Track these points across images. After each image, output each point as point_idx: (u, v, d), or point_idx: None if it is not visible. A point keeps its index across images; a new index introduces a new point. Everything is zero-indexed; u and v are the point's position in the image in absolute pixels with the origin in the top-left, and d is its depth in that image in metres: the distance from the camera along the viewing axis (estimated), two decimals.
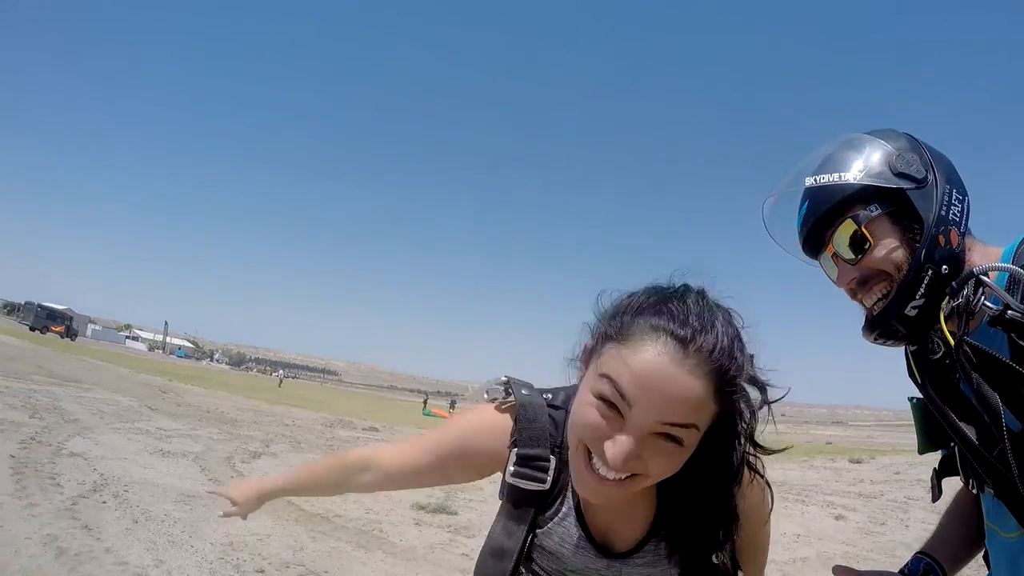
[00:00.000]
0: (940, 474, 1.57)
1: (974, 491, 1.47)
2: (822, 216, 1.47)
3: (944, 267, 1.34)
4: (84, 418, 12.10)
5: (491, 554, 1.25)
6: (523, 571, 1.29)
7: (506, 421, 1.30)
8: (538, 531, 1.27)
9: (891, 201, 1.40)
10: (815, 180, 1.45)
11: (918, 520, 10.43)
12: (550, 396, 1.33)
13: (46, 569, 4.64)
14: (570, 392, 1.29)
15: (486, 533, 1.31)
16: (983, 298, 1.23)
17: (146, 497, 7.15)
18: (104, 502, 6.65)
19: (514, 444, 1.27)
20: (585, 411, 1.09)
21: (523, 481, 1.24)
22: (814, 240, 1.53)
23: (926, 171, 1.39)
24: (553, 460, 1.25)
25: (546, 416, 1.29)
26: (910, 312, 1.37)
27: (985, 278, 1.24)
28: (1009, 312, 1.16)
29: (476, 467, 1.35)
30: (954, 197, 1.38)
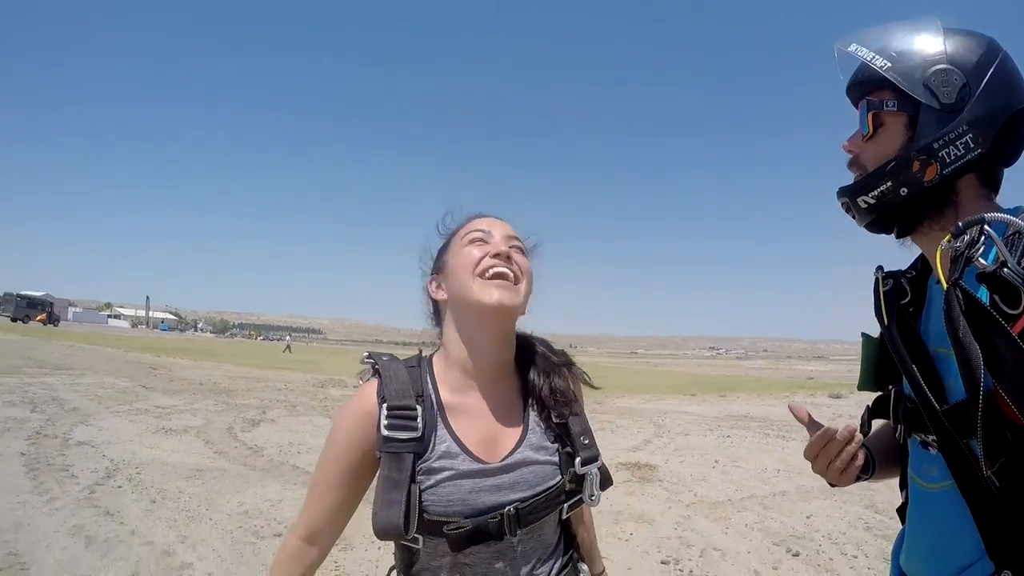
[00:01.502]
0: (872, 414, 1.59)
1: (900, 438, 1.49)
2: (857, 83, 1.50)
3: (903, 190, 1.36)
4: (83, 405, 12.28)
5: (383, 505, 1.32)
6: (424, 517, 1.35)
7: (367, 394, 1.45)
8: (420, 476, 1.37)
9: (913, 105, 1.37)
10: (857, 50, 1.43)
11: None
12: (407, 359, 1.55)
13: (80, 558, 4.89)
14: (423, 357, 1.57)
15: None
16: (980, 250, 1.16)
17: (158, 476, 7.41)
18: (120, 486, 6.90)
19: (382, 401, 1.40)
20: (466, 250, 1.49)
21: (397, 432, 1.36)
22: (853, 96, 1.53)
23: (958, 100, 1.32)
24: (419, 408, 1.40)
25: (405, 372, 1.47)
26: (861, 203, 1.43)
27: (990, 228, 1.16)
28: (1004, 271, 1.10)
29: (371, 455, 1.41)
30: (964, 140, 1.32)
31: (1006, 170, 1.42)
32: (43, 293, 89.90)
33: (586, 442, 1.50)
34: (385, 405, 1.38)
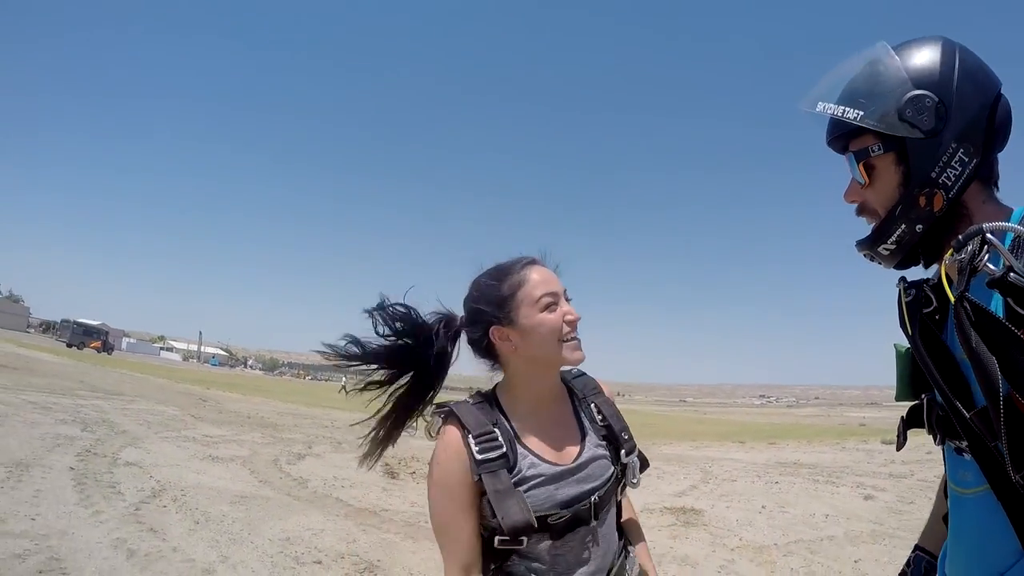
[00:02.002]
0: (907, 424, 1.59)
1: (937, 444, 1.49)
2: (833, 140, 1.52)
3: (919, 227, 1.37)
4: (133, 429, 12.49)
5: (504, 512, 1.55)
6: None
7: (452, 434, 1.66)
8: (516, 486, 1.60)
9: (897, 143, 1.38)
10: (824, 108, 1.45)
11: None
12: (471, 399, 1.79)
13: (120, 569, 4.96)
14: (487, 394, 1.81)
15: None
16: (986, 257, 1.18)
17: (203, 500, 7.48)
18: (165, 506, 6.98)
19: (467, 434, 1.63)
20: (544, 319, 1.68)
21: (488, 453, 1.60)
22: (836, 148, 1.54)
23: (938, 121, 1.33)
24: (498, 432, 1.65)
25: (474, 408, 1.71)
26: (882, 251, 1.44)
27: (991, 236, 1.18)
28: (1011, 275, 1.12)
29: (471, 485, 1.61)
30: (957, 157, 1.33)
31: (1008, 170, 1.42)
32: (99, 322, 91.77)
33: (626, 437, 1.83)
34: (471, 435, 1.62)
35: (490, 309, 1.74)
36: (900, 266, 1.48)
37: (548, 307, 1.70)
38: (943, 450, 1.49)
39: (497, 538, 1.58)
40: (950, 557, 1.48)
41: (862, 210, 1.51)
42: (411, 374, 1.85)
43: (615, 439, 1.82)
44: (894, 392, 1.62)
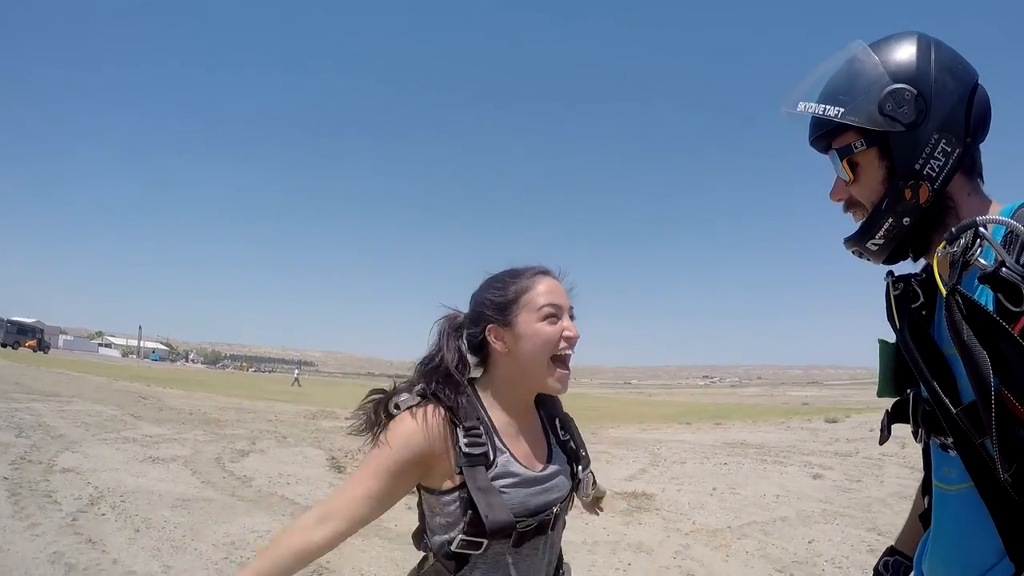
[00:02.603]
0: (891, 418, 1.57)
1: (919, 440, 1.49)
2: (816, 139, 1.51)
3: (906, 220, 1.37)
4: (70, 432, 12.11)
5: (488, 509, 1.54)
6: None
7: (433, 413, 1.62)
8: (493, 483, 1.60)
9: (879, 138, 1.38)
10: (804, 107, 1.45)
11: (892, 476, 10.82)
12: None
13: None
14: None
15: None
16: (978, 252, 1.18)
17: (143, 505, 7.25)
18: (103, 514, 6.74)
19: (455, 423, 1.62)
20: (541, 329, 1.68)
21: (474, 448, 1.59)
22: (818, 147, 1.54)
23: (918, 114, 1.34)
24: (481, 428, 1.64)
25: (461, 399, 1.68)
26: (871, 247, 1.44)
27: (984, 230, 1.18)
28: (1003, 270, 1.11)
29: (423, 467, 1.60)
30: (939, 148, 1.34)
31: (1007, 169, 1.40)
32: (34, 320, 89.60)
33: (583, 453, 1.89)
34: (460, 427, 1.61)
35: (492, 308, 1.75)
36: (888, 261, 1.48)
37: (548, 318, 1.70)
38: (926, 446, 1.51)
39: (459, 538, 1.56)
40: (930, 554, 1.48)
41: (849, 206, 1.50)
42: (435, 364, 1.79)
43: (574, 454, 1.87)
44: (876, 388, 1.61)
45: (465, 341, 1.81)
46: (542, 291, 1.72)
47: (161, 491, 8.06)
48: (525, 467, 1.67)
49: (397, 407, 1.66)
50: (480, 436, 1.61)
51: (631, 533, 7.32)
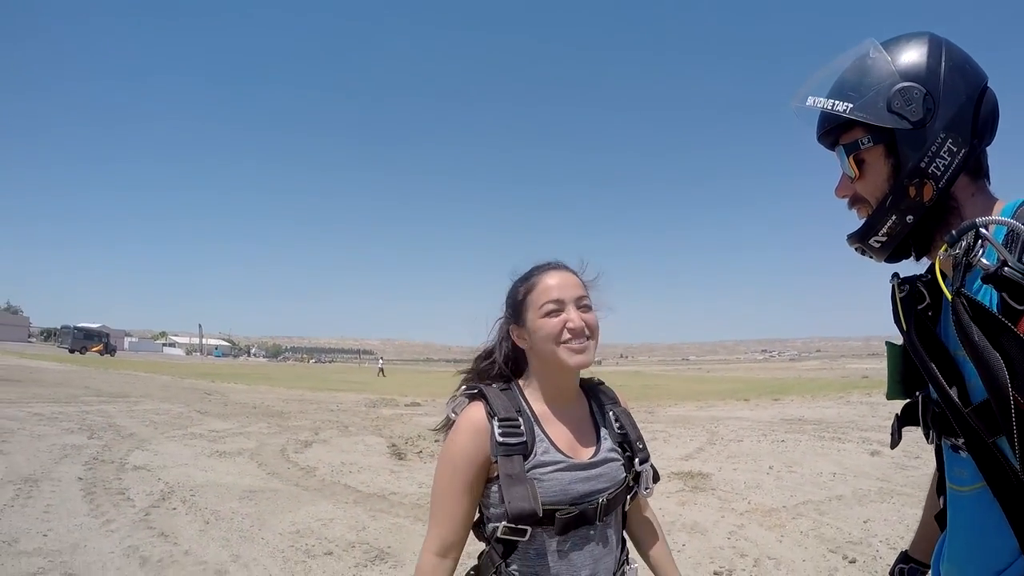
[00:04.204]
0: (902, 422, 1.58)
1: (931, 442, 1.48)
2: (824, 134, 1.52)
3: (909, 217, 1.37)
4: (139, 431, 12.54)
5: (513, 497, 1.59)
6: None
7: (477, 413, 1.72)
8: (529, 472, 1.65)
9: (886, 134, 1.38)
10: (814, 102, 1.45)
11: None
12: (499, 385, 1.86)
13: None
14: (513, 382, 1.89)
15: None
16: (980, 252, 1.17)
17: (212, 498, 7.51)
18: (174, 508, 7.01)
19: (491, 416, 1.70)
20: (543, 324, 1.74)
21: (509, 438, 1.66)
22: (825, 143, 1.56)
23: (926, 112, 1.33)
24: (520, 419, 1.71)
25: (501, 393, 1.78)
26: (873, 244, 1.43)
27: (985, 231, 1.17)
28: (1006, 269, 1.11)
29: (484, 466, 1.69)
30: (945, 147, 1.33)
31: (1005, 167, 1.40)
32: (99, 324, 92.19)
33: (640, 446, 1.87)
34: (496, 419, 1.68)
35: (509, 311, 1.89)
36: (891, 259, 1.48)
37: (549, 313, 1.76)
38: (938, 448, 1.50)
39: (503, 525, 1.62)
40: (947, 555, 1.47)
41: (854, 202, 1.51)
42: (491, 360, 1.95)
43: (630, 447, 1.87)
44: (886, 391, 1.61)
45: (507, 341, 1.92)
46: (543, 288, 1.80)
47: (228, 484, 8.34)
48: (567, 455, 1.72)
49: (455, 412, 1.79)
50: (518, 427, 1.68)
51: (686, 513, 7.33)
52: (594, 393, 1.97)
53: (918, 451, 10.34)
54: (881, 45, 1.42)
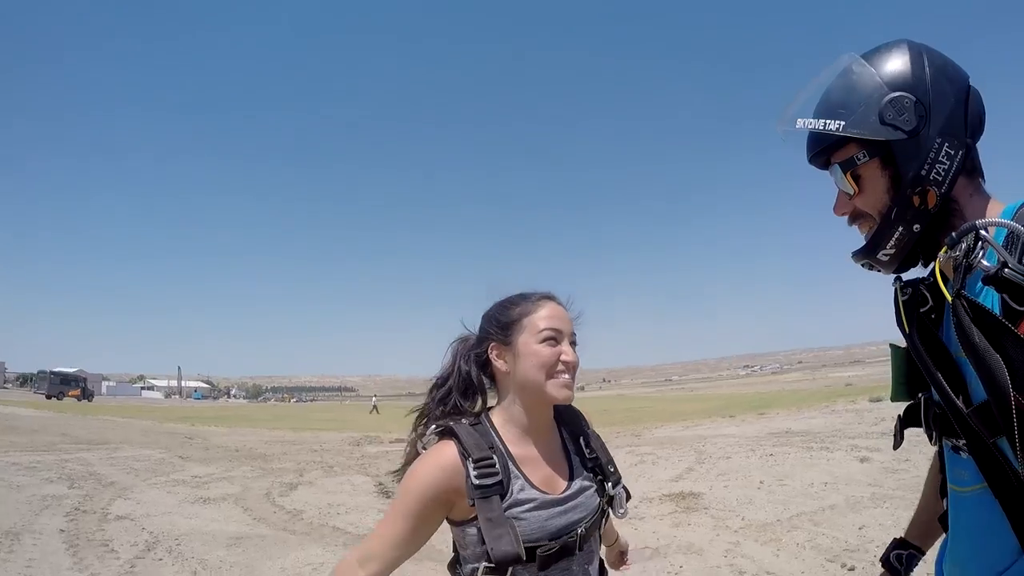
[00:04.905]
0: (904, 423, 1.59)
1: (933, 443, 1.50)
2: (816, 155, 1.50)
3: (916, 226, 1.36)
4: (120, 479, 12.33)
5: (494, 540, 1.56)
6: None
7: (449, 451, 1.67)
8: (507, 512, 1.62)
9: (880, 147, 1.38)
10: (803, 124, 1.45)
11: None
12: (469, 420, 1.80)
13: None
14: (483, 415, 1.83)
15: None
16: (981, 254, 1.18)
17: (198, 547, 7.36)
18: (160, 559, 6.86)
19: (466, 457, 1.64)
20: (540, 350, 1.72)
21: (486, 479, 1.61)
22: (817, 164, 1.54)
23: (919, 120, 1.33)
24: (495, 457, 1.66)
25: (473, 430, 1.72)
26: (882, 257, 1.42)
27: (985, 233, 1.18)
28: (1006, 271, 1.12)
29: (446, 504, 1.65)
30: (943, 152, 1.33)
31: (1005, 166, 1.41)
32: (76, 369, 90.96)
33: (612, 469, 1.89)
34: (470, 460, 1.63)
35: (495, 328, 1.82)
36: (900, 269, 1.47)
37: (547, 340, 1.74)
38: (941, 448, 1.50)
39: (483, 565, 1.59)
40: (949, 556, 1.48)
41: (855, 218, 1.49)
42: (443, 391, 1.88)
43: (602, 471, 1.87)
44: (890, 392, 1.62)
45: (475, 364, 1.87)
46: (544, 315, 1.78)
47: (215, 531, 8.18)
48: (543, 491, 1.70)
49: (424, 447, 1.76)
50: (492, 466, 1.64)
51: (680, 535, 7.29)
52: (563, 418, 1.95)
53: (907, 453, 10.41)
54: (861, 58, 1.43)
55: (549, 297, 1.86)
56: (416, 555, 1.61)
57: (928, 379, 1.34)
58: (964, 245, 1.20)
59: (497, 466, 1.65)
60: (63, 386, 73.91)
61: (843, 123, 1.38)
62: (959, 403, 1.23)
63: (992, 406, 1.09)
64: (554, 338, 1.75)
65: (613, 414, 32.34)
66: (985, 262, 1.16)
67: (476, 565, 1.61)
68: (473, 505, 1.61)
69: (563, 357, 1.74)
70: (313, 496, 10.81)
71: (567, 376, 1.75)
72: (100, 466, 14.15)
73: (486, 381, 1.87)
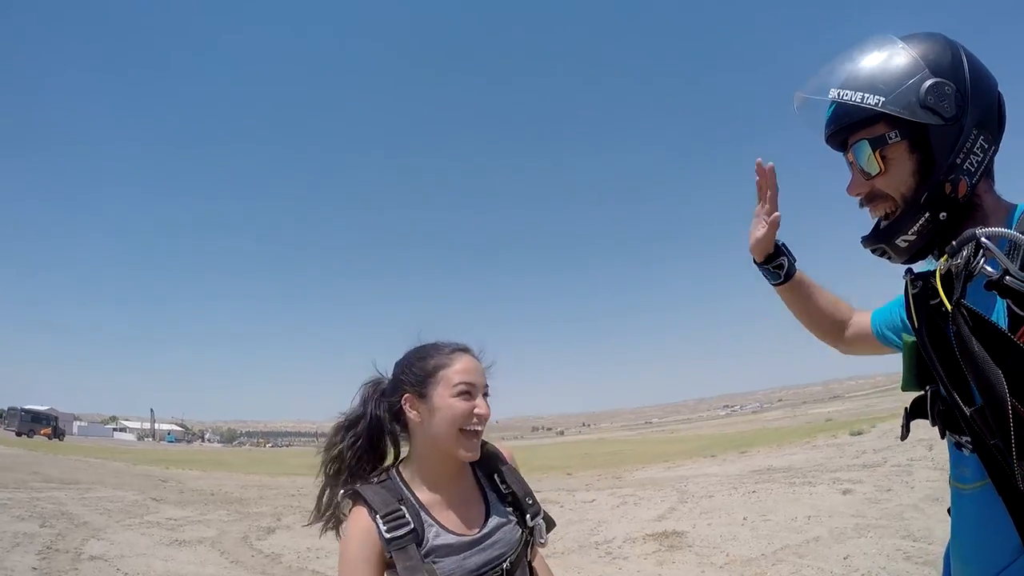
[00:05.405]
0: (911, 415, 1.57)
1: (942, 437, 1.48)
2: (843, 128, 1.48)
3: (942, 214, 1.37)
4: (93, 519, 12.08)
5: None
6: None
7: (360, 517, 1.70)
8: (425, 560, 1.66)
9: (913, 130, 1.38)
10: (839, 95, 1.44)
11: (923, 480, 10.63)
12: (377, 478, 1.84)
13: None
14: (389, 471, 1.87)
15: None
16: (983, 261, 1.20)
17: None
18: None
19: (374, 515, 1.68)
20: (454, 404, 1.75)
21: (396, 531, 1.65)
22: (835, 142, 1.55)
23: (958, 109, 1.34)
24: (404, 508, 1.71)
25: (379, 488, 1.76)
26: (900, 243, 1.44)
27: (987, 241, 1.19)
28: (1007, 278, 1.14)
29: (379, 563, 1.67)
30: (978, 144, 1.36)
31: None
32: (47, 407, 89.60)
33: (530, 501, 1.91)
34: (378, 516, 1.68)
35: (410, 379, 1.85)
36: (911, 260, 1.49)
37: (462, 394, 1.78)
38: (947, 446, 1.50)
39: None
40: (953, 552, 1.51)
41: (871, 199, 1.50)
42: (352, 436, 1.90)
43: (519, 504, 1.90)
44: (900, 382, 1.61)
45: (387, 412, 1.90)
46: (459, 368, 1.82)
47: (190, 573, 8.04)
48: (457, 534, 1.75)
49: (344, 514, 1.81)
50: (402, 518, 1.68)
51: (665, 573, 7.27)
52: (479, 459, 1.95)
53: (888, 484, 10.52)
54: (900, 39, 1.44)
55: (463, 349, 1.90)
56: None
57: (934, 374, 1.37)
58: (965, 253, 1.22)
59: (407, 516, 1.69)
60: (34, 424, 72.62)
61: (883, 99, 1.38)
62: (960, 403, 1.26)
63: (988, 415, 1.12)
64: (468, 392, 1.79)
65: (594, 457, 32.14)
66: (988, 268, 1.19)
67: None
68: (391, 557, 1.65)
69: (476, 411, 1.79)
70: (291, 540, 10.62)
71: (475, 430, 1.79)
72: (72, 505, 13.87)
73: (398, 428, 1.91)
